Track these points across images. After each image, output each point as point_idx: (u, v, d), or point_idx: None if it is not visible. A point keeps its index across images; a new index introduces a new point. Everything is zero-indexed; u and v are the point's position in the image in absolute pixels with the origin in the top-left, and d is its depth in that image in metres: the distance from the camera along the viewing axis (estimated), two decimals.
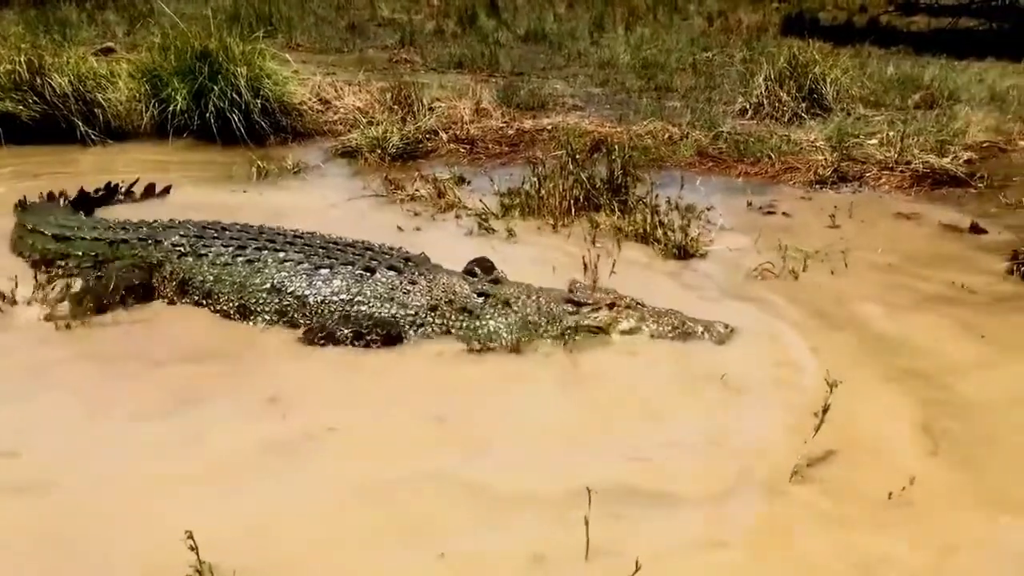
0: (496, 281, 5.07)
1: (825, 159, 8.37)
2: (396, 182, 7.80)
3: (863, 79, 11.18)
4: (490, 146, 9.28)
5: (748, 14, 20.26)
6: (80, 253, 5.55)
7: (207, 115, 8.94)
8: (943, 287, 5.70)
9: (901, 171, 8.11)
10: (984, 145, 8.93)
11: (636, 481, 3.67)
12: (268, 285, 4.97)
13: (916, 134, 8.64)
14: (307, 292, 4.93)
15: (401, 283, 4.96)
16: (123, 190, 7.27)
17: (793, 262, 6.02)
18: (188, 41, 9.11)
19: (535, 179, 7.17)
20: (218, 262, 5.14)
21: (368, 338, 4.75)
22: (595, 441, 4.00)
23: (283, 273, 4.99)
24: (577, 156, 7.48)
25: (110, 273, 5.24)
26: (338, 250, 5.16)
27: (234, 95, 8.96)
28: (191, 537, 3.01)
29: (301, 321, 4.90)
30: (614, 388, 4.48)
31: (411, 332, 4.86)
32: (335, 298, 4.89)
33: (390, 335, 4.79)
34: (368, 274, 4.97)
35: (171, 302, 5.23)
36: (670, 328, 4.90)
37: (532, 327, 4.86)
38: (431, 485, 3.64)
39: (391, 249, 5.35)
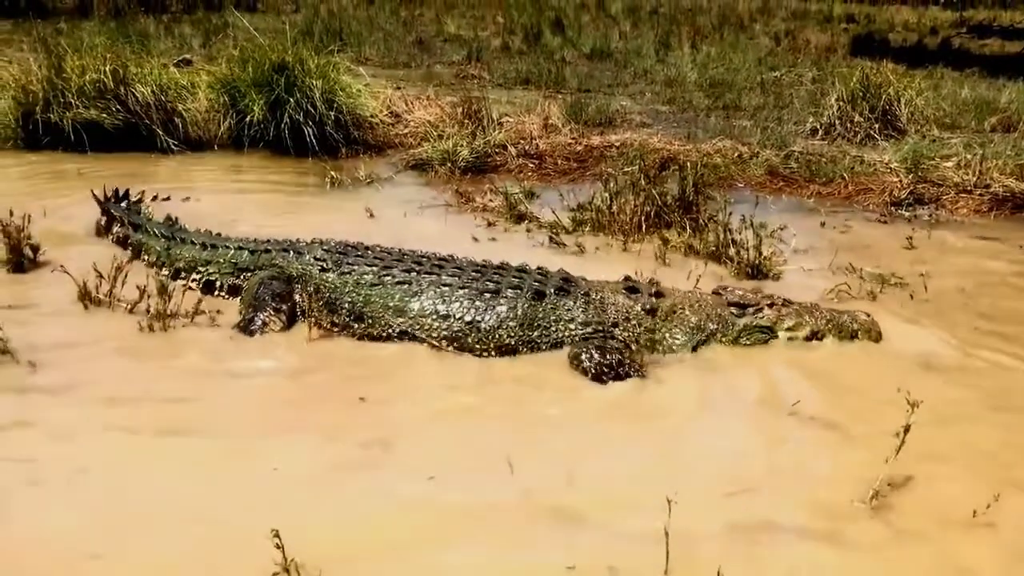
0: (659, 294, 5.11)
1: (900, 181, 8.25)
2: (466, 194, 7.88)
3: (937, 101, 11.00)
4: (558, 162, 9.31)
5: (816, 34, 20.12)
6: (222, 260, 5.59)
7: (282, 126, 9.13)
8: None
9: (980, 194, 7.97)
10: None
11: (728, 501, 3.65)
12: (433, 310, 4.89)
13: (994, 157, 8.47)
14: (478, 317, 4.86)
15: (576, 305, 4.94)
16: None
17: (870, 284, 5.93)
18: (265, 54, 9.31)
19: (607, 195, 7.18)
20: (363, 282, 5.04)
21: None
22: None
23: (449, 298, 4.91)
24: (648, 173, 7.47)
25: (253, 283, 5.32)
26: (494, 273, 5.09)
27: (309, 107, 9.13)
28: (277, 535, 3.06)
29: (476, 346, 4.83)
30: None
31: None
32: (512, 323, 4.85)
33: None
34: (539, 297, 4.93)
35: (319, 324, 5.08)
36: (824, 322, 5.08)
37: (708, 334, 5.00)
38: None
39: (538, 270, 5.24)
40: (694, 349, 4.95)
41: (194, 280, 5.65)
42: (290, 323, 5.15)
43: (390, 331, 4.93)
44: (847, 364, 4.88)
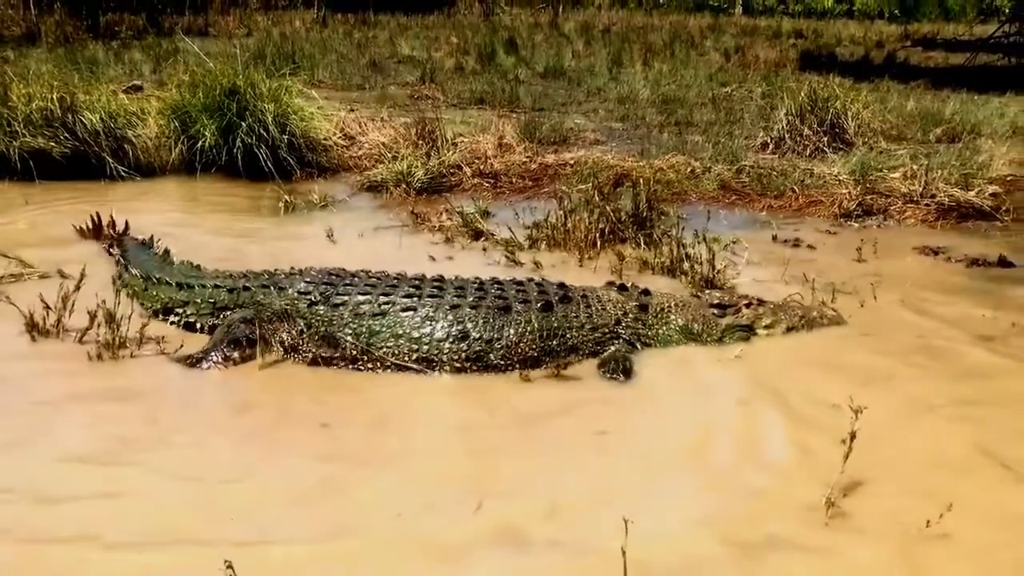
0: (647, 292, 5.39)
1: (849, 192, 8.39)
2: (422, 215, 7.88)
3: (884, 113, 11.24)
4: (513, 180, 9.35)
5: (765, 50, 20.47)
6: (199, 300, 5.33)
7: (235, 151, 9.08)
8: (976, 319, 5.67)
9: (926, 204, 8.13)
10: (1009, 179, 8.94)
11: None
12: (449, 334, 4.84)
13: (940, 168, 8.63)
14: (496, 334, 4.88)
15: (581, 310, 5.12)
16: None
17: (821, 295, 6.01)
18: (217, 79, 9.27)
19: (561, 212, 7.22)
20: (363, 312, 4.91)
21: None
22: None
23: (463, 319, 4.89)
24: (602, 189, 7.54)
25: (224, 324, 5.11)
26: (495, 288, 5.14)
27: (262, 131, 9.10)
28: (230, 567, 3.01)
29: (500, 363, 4.84)
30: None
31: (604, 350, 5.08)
32: (530, 335, 4.91)
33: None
34: (548, 308, 5.03)
35: (317, 359, 4.90)
36: (797, 318, 5.44)
37: (696, 334, 5.25)
38: None
39: (532, 281, 5.35)
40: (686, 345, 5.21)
41: (173, 323, 5.43)
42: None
43: (405, 360, 4.83)
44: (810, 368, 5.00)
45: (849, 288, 6.19)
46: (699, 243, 6.63)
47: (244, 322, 5.02)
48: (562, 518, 3.61)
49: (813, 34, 26.17)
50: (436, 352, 4.82)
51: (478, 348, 4.84)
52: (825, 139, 10.11)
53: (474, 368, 4.84)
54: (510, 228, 7.23)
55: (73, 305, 5.16)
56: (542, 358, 4.92)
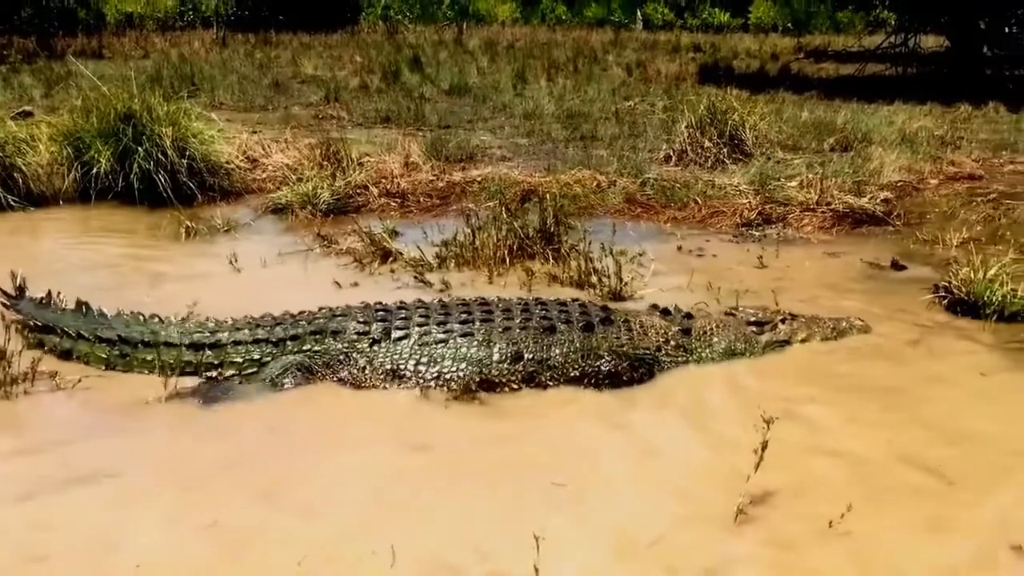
0: (689, 316, 5.47)
1: (749, 203, 8.62)
2: (329, 237, 7.76)
3: (780, 124, 11.60)
4: (421, 199, 9.30)
5: (666, 64, 20.95)
6: (240, 360, 5.04)
7: (132, 177, 8.79)
8: (873, 322, 5.84)
9: (822, 212, 8.39)
10: (899, 184, 9.33)
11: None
12: (507, 355, 4.92)
13: (834, 176, 8.96)
14: (545, 355, 4.95)
15: (622, 331, 5.16)
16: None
17: (726, 301, 6.14)
18: (111, 103, 8.99)
19: (469, 230, 7.22)
20: (426, 342, 4.95)
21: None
22: None
23: (518, 342, 4.97)
24: (509, 206, 7.57)
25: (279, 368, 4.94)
26: (541, 310, 5.16)
27: (160, 156, 8.84)
28: None
29: (549, 382, 4.93)
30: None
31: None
32: (574, 356, 4.97)
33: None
34: (589, 329, 5.07)
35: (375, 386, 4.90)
36: (830, 330, 5.59)
37: (739, 354, 5.33)
38: None
39: (575, 301, 5.41)
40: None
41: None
42: None
43: (472, 384, 4.85)
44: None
45: (752, 295, 6.33)
46: (606, 256, 6.73)
47: (300, 369, 4.96)
48: (491, 558, 3.46)
49: (711, 48, 26.92)
50: (496, 373, 4.89)
51: (532, 369, 4.93)
52: (725, 150, 10.36)
53: (526, 388, 4.91)
54: (419, 248, 7.19)
55: None
56: (583, 379, 4.98)
